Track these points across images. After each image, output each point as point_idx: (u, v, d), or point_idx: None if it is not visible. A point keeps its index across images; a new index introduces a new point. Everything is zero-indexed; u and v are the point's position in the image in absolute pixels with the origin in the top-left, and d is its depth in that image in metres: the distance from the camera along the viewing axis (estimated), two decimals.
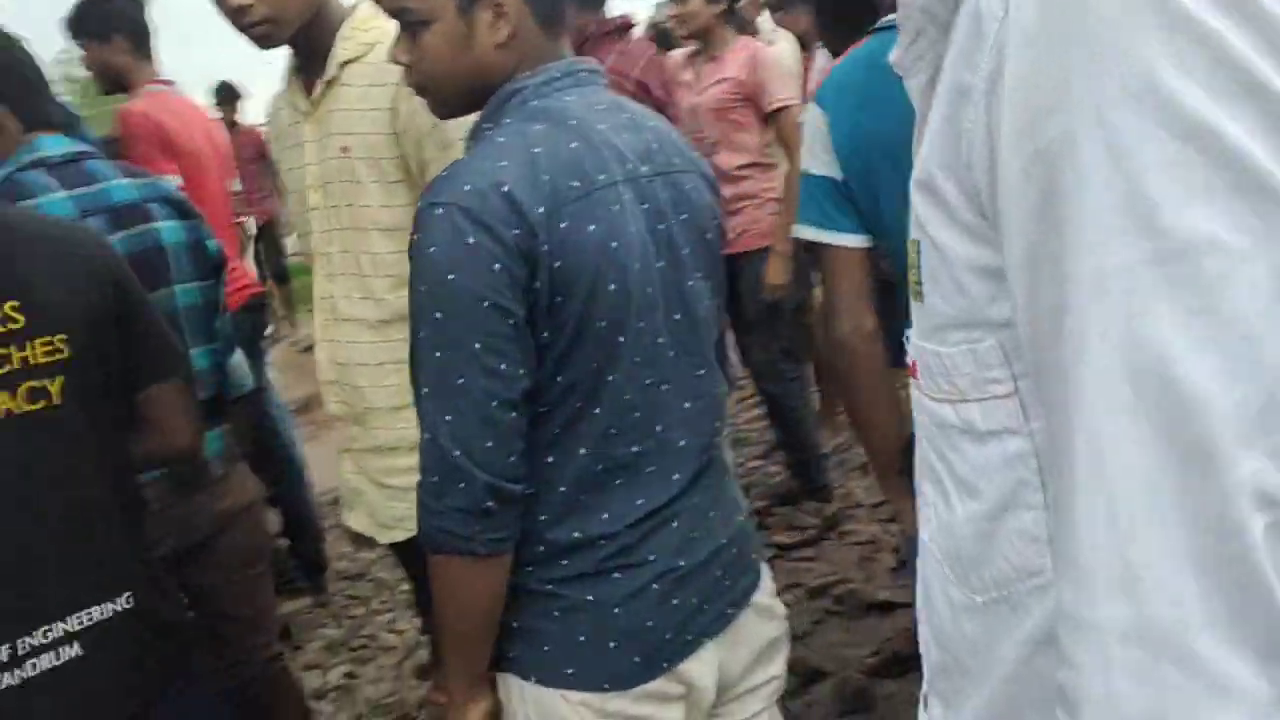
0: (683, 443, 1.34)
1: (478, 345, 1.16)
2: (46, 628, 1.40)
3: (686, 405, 1.34)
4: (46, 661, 1.40)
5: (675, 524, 1.33)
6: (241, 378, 2.17)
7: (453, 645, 1.30)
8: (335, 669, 3.38)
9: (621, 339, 1.26)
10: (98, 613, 1.46)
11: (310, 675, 3.34)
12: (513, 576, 1.28)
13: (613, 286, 1.23)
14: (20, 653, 1.38)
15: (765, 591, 1.48)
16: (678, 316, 1.33)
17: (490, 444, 1.18)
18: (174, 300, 1.94)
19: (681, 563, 1.33)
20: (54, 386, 1.42)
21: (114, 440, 1.53)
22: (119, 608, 1.48)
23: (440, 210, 1.17)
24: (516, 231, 1.16)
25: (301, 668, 3.39)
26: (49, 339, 1.41)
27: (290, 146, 1.83)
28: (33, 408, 1.40)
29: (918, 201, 0.66)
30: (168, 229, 1.96)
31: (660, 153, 1.33)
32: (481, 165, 1.20)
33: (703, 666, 1.36)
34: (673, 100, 3.41)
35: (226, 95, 7.62)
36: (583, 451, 1.27)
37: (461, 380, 1.17)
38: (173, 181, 3.19)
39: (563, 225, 1.19)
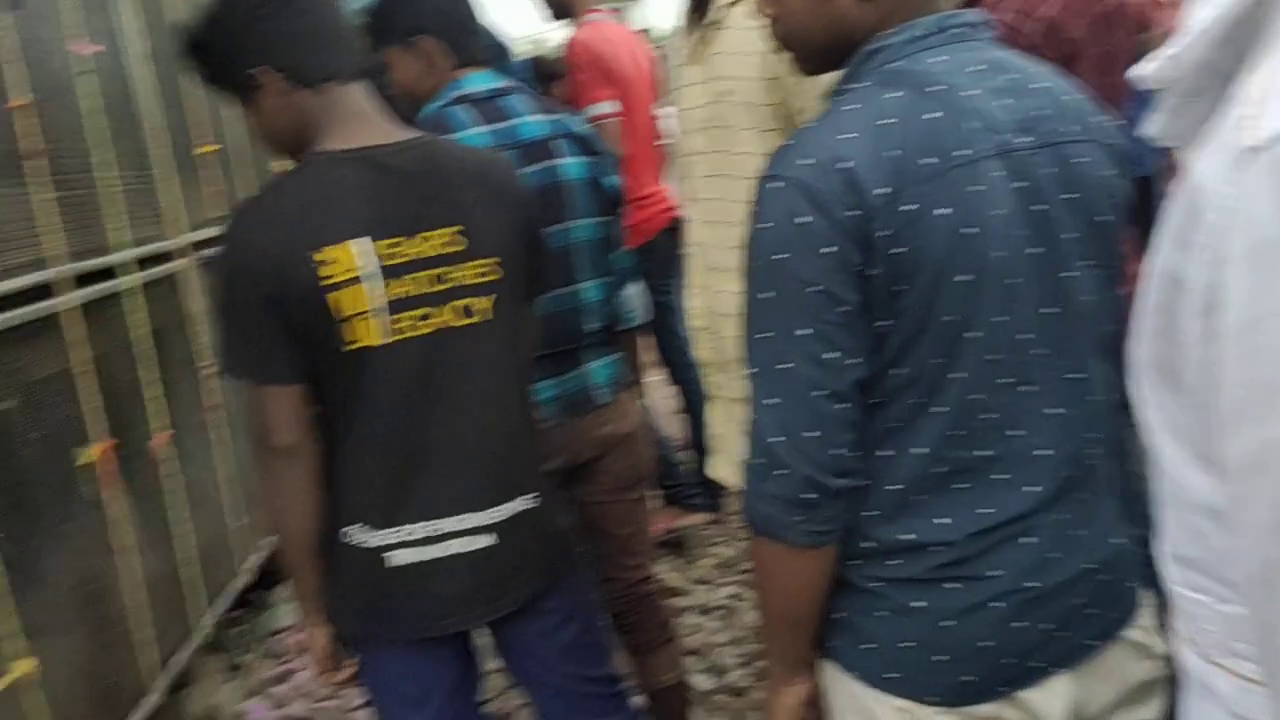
0: (1045, 452, 1.16)
1: (805, 331, 1.08)
2: (464, 516, 1.57)
3: (1054, 411, 1.16)
4: (459, 545, 1.57)
5: (1030, 540, 1.17)
6: (632, 310, 2.22)
7: (770, 627, 1.26)
8: (724, 588, 3.48)
9: (972, 334, 1.10)
10: (508, 509, 1.61)
11: (699, 590, 3.47)
12: (839, 568, 1.21)
13: (964, 278, 1.08)
14: (437, 533, 1.56)
15: (1143, 626, 1.27)
16: (1052, 311, 1.14)
17: (814, 434, 1.10)
18: (569, 235, 2.02)
19: (1034, 584, 1.17)
20: (485, 304, 1.56)
21: (524, 354, 1.66)
22: (527, 505, 1.63)
23: (777, 185, 1.09)
24: (852, 213, 1.05)
25: (691, 582, 3.53)
26: (483, 262, 1.55)
27: (680, 88, 1.81)
28: (466, 322, 1.54)
29: None
30: (571, 166, 2.03)
31: (1049, 120, 1.14)
32: (824, 138, 1.09)
33: (1051, 699, 1.21)
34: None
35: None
36: (920, 450, 1.14)
37: (787, 366, 1.09)
38: (607, 107, 3.35)
39: (907, 208, 1.05)
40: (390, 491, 1.54)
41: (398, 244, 1.49)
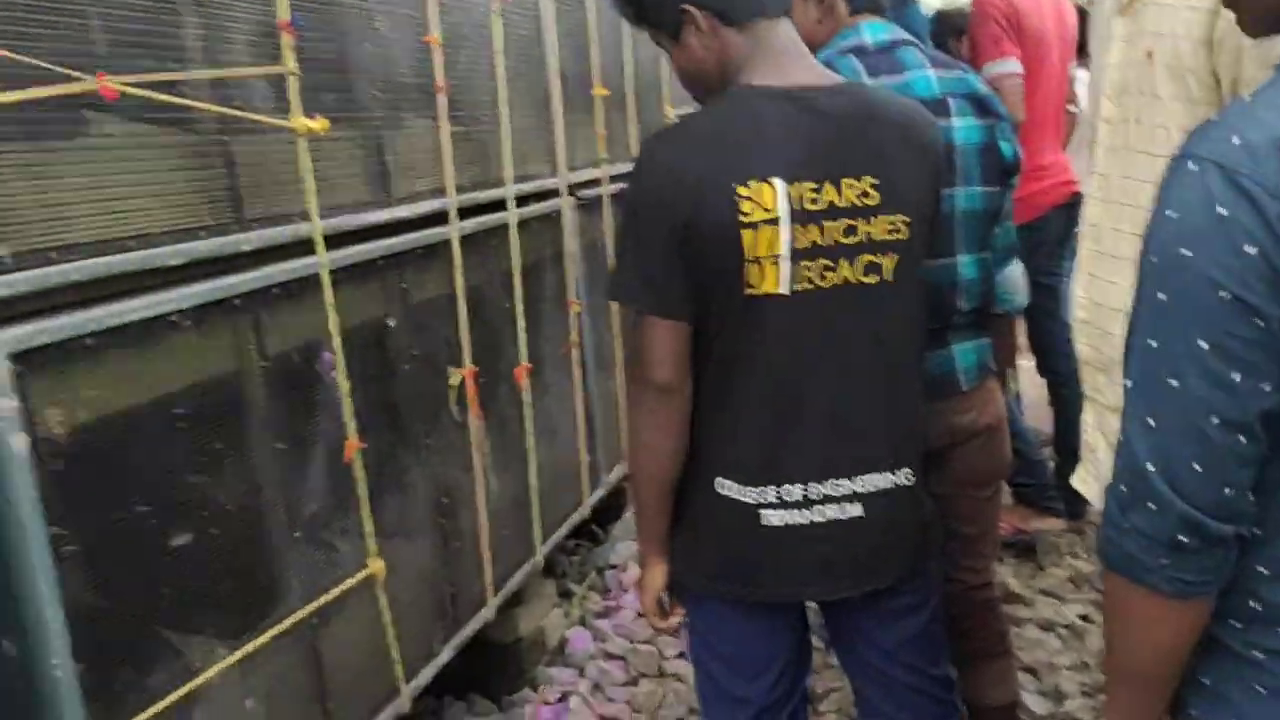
0: None
1: (1204, 344, 0.89)
2: (838, 481, 1.52)
3: None
4: (832, 512, 1.52)
5: None
6: (1012, 291, 2.01)
7: (1116, 678, 1.08)
8: (1073, 605, 3.17)
9: None
10: (882, 480, 1.54)
11: (1044, 603, 3.18)
12: (1213, 624, 1.01)
13: None
14: (812, 497, 1.51)
15: None
16: None
17: (1199, 467, 0.91)
18: (953, 202, 1.85)
19: None
20: (890, 263, 1.47)
21: (922, 321, 1.57)
22: (901, 481, 1.56)
23: (1193, 166, 0.90)
24: None
25: (1036, 592, 3.24)
26: (892, 218, 1.46)
27: (1103, 40, 1.58)
28: (869, 280, 1.47)
29: None
30: (962, 128, 1.85)
31: None
32: (1264, 114, 0.89)
33: None
34: None
35: None
36: None
37: (1175, 382, 0.91)
38: (1010, 66, 3.08)
39: None
40: (768, 447, 1.49)
41: (817, 188, 1.42)
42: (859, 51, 1.87)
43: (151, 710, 1.50)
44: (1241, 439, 0.91)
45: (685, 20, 1.48)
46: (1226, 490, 0.92)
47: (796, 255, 1.43)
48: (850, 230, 1.44)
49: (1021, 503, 3.54)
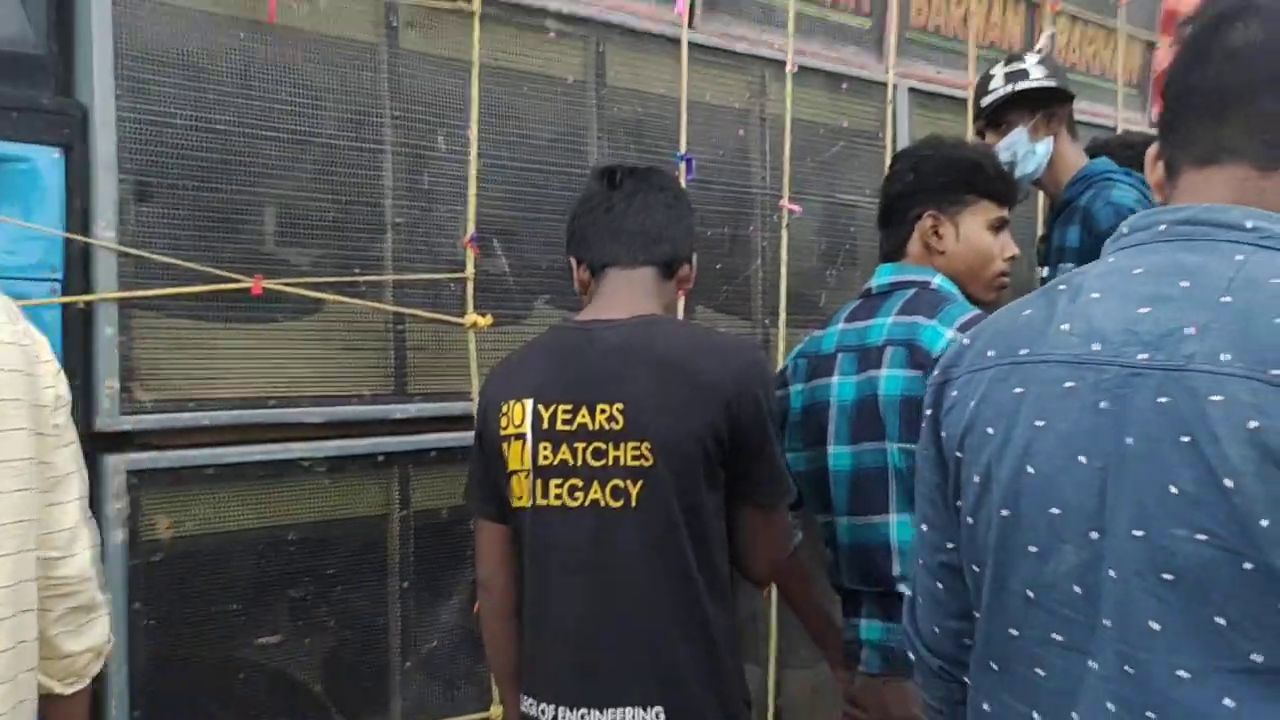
0: None
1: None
2: (586, 711, 1.50)
3: None
4: None
5: None
6: None
7: None
8: None
9: None
10: (631, 717, 1.49)
11: None
12: None
13: None
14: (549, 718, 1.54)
15: None
16: None
17: (920, 600, 1.15)
18: (886, 457, 1.68)
19: None
20: (635, 489, 1.50)
21: (677, 553, 1.51)
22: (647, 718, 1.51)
23: None
24: None
25: None
26: (638, 444, 1.49)
27: None
28: (615, 504, 1.50)
29: None
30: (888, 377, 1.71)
31: None
32: None
33: None
34: None
35: None
36: None
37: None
38: None
39: None
40: (531, 663, 1.59)
41: (571, 410, 1.52)
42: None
43: None
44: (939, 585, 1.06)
45: (571, 268, 1.72)
46: (934, 629, 1.07)
47: (544, 472, 1.52)
48: (599, 453, 1.50)
49: None
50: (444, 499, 2.16)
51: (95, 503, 1.77)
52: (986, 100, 2.34)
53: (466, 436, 2.04)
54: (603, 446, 1.50)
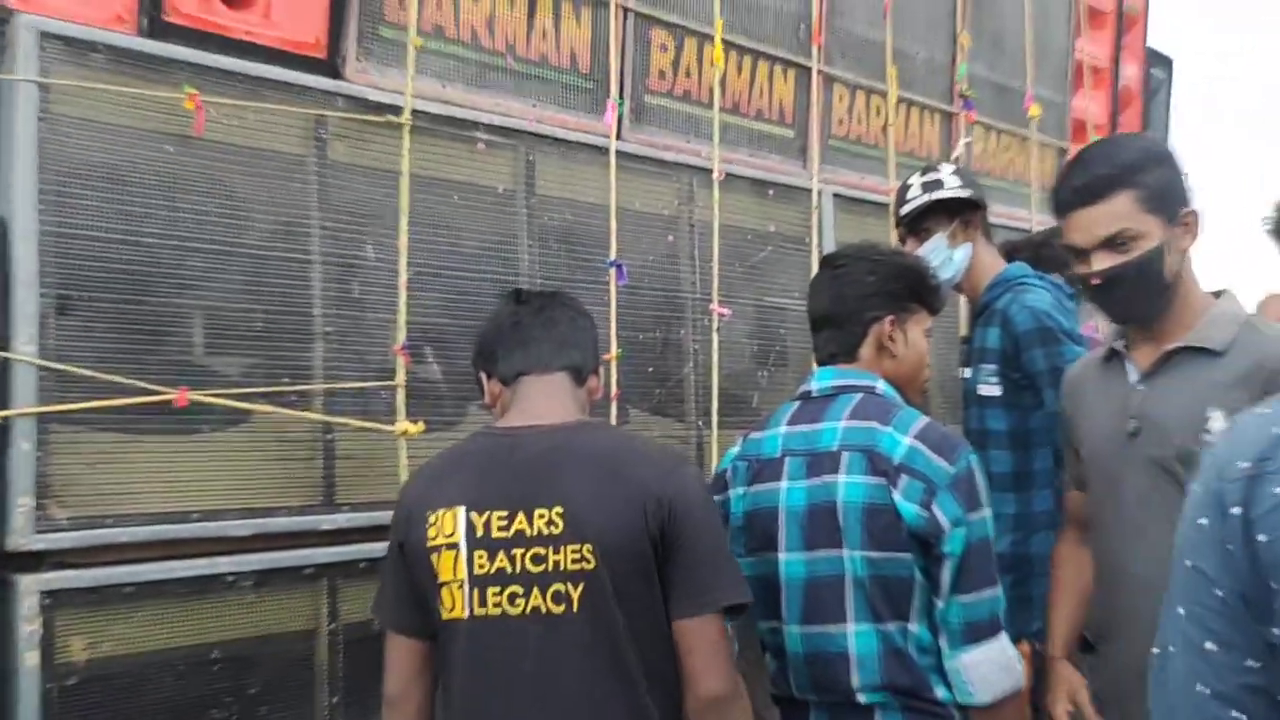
0: None
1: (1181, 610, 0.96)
2: None
3: None
4: None
5: None
6: (967, 682, 1.57)
7: None
8: None
9: None
10: None
11: None
12: None
13: None
14: None
15: None
16: None
17: None
18: (844, 565, 1.62)
19: None
20: (576, 593, 1.47)
21: (619, 656, 1.49)
22: None
23: None
24: None
25: None
26: (578, 547, 1.47)
27: None
28: (556, 609, 1.48)
29: None
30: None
31: None
32: None
33: None
34: None
35: None
36: None
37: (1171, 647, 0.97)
38: None
39: None
40: None
41: (507, 517, 1.49)
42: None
43: None
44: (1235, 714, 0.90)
45: (480, 383, 1.71)
46: None
47: (480, 581, 1.48)
48: (539, 559, 1.47)
49: None
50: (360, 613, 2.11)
51: (7, 625, 1.71)
52: (905, 209, 2.42)
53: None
54: (542, 552, 1.47)
